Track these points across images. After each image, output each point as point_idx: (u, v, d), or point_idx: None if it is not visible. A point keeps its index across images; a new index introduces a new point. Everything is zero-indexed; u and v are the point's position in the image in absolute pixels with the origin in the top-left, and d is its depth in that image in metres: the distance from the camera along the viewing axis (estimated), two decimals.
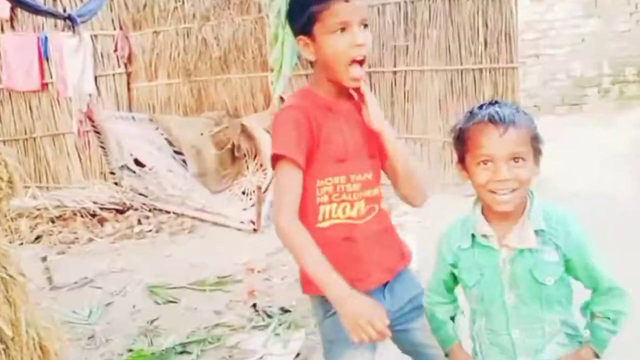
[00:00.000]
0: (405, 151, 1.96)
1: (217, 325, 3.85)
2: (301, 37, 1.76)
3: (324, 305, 1.77)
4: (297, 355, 3.35)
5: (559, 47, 10.25)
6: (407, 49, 6.68)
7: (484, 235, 1.62)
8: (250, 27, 7.31)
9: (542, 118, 10.02)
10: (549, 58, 10.31)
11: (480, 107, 1.61)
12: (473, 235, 1.64)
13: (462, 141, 1.61)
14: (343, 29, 1.69)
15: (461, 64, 6.46)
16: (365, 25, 1.73)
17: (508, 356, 1.65)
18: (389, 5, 6.66)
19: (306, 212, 1.74)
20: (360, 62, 1.72)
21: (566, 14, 10.14)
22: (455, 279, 1.75)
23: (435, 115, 6.64)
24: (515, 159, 1.53)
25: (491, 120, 1.54)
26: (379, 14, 6.72)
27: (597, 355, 1.66)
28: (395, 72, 6.77)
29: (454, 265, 1.69)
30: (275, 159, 1.69)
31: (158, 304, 4.31)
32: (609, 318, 1.62)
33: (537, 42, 10.25)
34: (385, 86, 6.82)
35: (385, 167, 1.90)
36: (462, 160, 1.64)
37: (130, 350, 3.62)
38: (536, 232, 1.57)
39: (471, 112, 1.62)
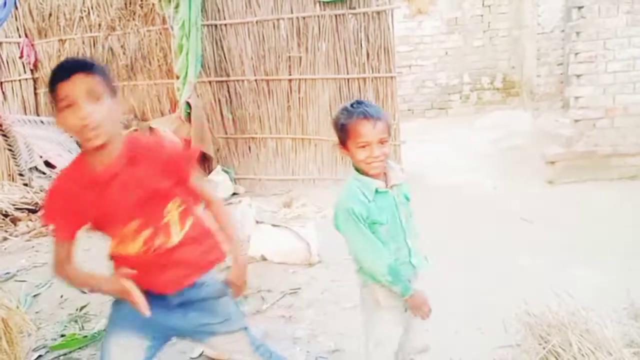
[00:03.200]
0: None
1: None
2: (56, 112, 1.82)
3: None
4: None
5: (428, 59, 10.96)
6: (300, 60, 6.91)
7: (383, 187, 2.12)
8: (155, 37, 7.26)
9: (415, 120, 10.71)
10: (419, 68, 11.00)
11: (352, 106, 2.09)
12: (376, 190, 2.09)
13: (345, 132, 2.08)
14: (69, 106, 1.75)
15: (347, 74, 6.78)
16: (97, 98, 1.77)
17: (406, 262, 2.16)
18: (283, 20, 6.83)
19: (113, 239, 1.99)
20: (93, 128, 1.78)
21: (433, 30, 10.85)
22: None
23: (326, 118, 6.91)
24: (382, 141, 2.05)
25: (365, 117, 2.03)
26: (274, 28, 6.89)
27: None
28: (290, 80, 6.97)
29: (367, 217, 2.08)
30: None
31: (84, 292, 4.25)
32: None
33: (409, 54, 10.90)
34: (281, 93, 7.01)
35: None
36: (344, 143, 2.12)
37: (63, 335, 3.61)
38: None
39: (347, 110, 2.09)
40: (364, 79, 6.74)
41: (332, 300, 3.80)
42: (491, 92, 10.88)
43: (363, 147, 2.04)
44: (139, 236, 1.94)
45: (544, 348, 2.27)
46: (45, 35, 7.63)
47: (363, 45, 6.69)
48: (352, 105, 2.09)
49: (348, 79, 6.80)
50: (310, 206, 5.83)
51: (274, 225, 4.63)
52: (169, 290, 2.03)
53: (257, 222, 4.64)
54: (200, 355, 3.19)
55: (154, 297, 1.96)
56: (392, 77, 6.70)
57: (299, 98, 7.00)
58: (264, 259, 4.52)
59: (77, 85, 1.75)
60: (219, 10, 6.98)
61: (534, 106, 9.13)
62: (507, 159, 7.41)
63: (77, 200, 1.87)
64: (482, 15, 10.68)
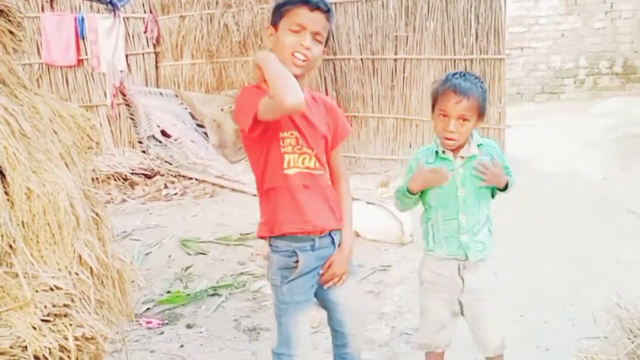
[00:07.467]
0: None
1: (241, 273, 4.11)
2: (270, 26, 1.90)
3: (282, 272, 1.98)
4: None
5: (542, 41, 10.45)
6: (407, 39, 6.86)
7: (444, 152, 2.10)
8: (267, 14, 7.43)
9: (524, 105, 10.29)
10: (532, 51, 10.52)
11: (453, 75, 2.07)
12: (436, 153, 2.12)
13: (434, 98, 2.08)
14: (297, 31, 1.83)
15: (454, 54, 6.67)
16: (319, 41, 1.86)
17: (455, 236, 2.11)
18: None
19: (273, 159, 1.92)
20: (305, 60, 1.85)
21: (549, 10, 10.32)
22: None
23: (429, 99, 6.84)
24: (463, 119, 2.01)
25: (453, 89, 2.00)
26: (383, 7, 6.89)
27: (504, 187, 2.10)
28: (395, 60, 6.96)
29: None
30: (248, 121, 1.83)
31: (190, 254, 4.57)
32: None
33: (522, 35, 10.45)
34: (386, 72, 7.01)
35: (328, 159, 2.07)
36: (433, 109, 2.10)
37: (169, 292, 3.89)
38: (478, 145, 2.10)
39: (445, 78, 2.07)
40: (471, 60, 6.60)
41: None
42: (609, 78, 10.21)
43: (441, 116, 2.03)
44: (307, 150, 1.93)
45: (632, 342, 2.18)
46: (168, 12, 8.06)
47: (472, 25, 6.56)
48: (453, 75, 2.06)
49: (454, 60, 6.69)
50: None
51: (368, 203, 4.68)
52: (328, 226, 1.98)
53: (352, 199, 4.71)
54: None
55: (305, 240, 1.95)
56: (500, 59, 6.53)
57: (404, 78, 6.97)
58: (357, 235, 4.59)
59: (317, 22, 1.84)
60: None
61: None
62: (622, 149, 7.01)
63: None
64: None
